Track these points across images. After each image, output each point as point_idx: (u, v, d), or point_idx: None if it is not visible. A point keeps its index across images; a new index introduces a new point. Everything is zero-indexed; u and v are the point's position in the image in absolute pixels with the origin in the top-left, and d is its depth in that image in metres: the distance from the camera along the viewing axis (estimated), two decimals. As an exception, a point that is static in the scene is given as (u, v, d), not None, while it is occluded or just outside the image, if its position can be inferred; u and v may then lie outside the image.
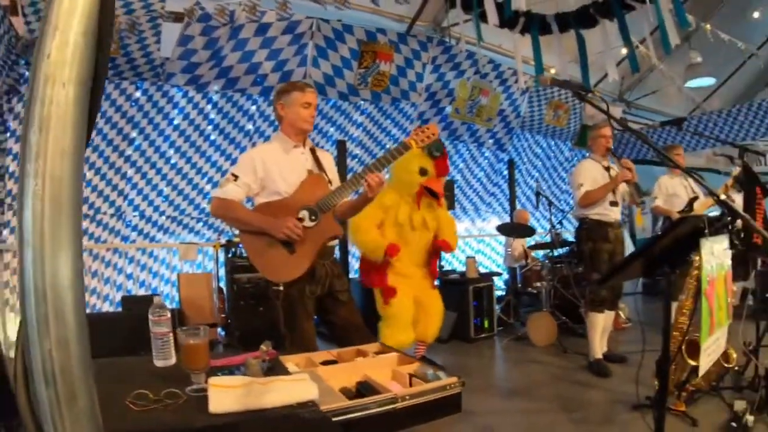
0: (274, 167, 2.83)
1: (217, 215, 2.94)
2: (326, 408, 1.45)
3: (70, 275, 0.53)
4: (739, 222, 2.50)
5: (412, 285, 4.29)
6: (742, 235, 2.39)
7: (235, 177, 2.79)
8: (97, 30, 0.57)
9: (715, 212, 5.24)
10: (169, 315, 1.88)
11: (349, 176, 2.86)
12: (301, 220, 2.72)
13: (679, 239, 1.97)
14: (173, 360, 1.85)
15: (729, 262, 2.17)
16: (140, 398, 1.45)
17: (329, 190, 2.83)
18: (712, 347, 2.01)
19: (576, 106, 8.60)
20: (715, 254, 1.96)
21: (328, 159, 3.11)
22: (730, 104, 9.55)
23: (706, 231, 1.88)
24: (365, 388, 1.72)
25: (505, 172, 8.38)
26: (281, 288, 2.75)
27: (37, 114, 0.53)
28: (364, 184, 2.73)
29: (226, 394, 1.40)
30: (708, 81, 9.18)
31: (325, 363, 2.08)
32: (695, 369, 3.33)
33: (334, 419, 1.42)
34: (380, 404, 1.59)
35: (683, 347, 3.36)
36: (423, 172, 4.21)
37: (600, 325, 4.53)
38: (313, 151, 3.00)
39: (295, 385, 1.46)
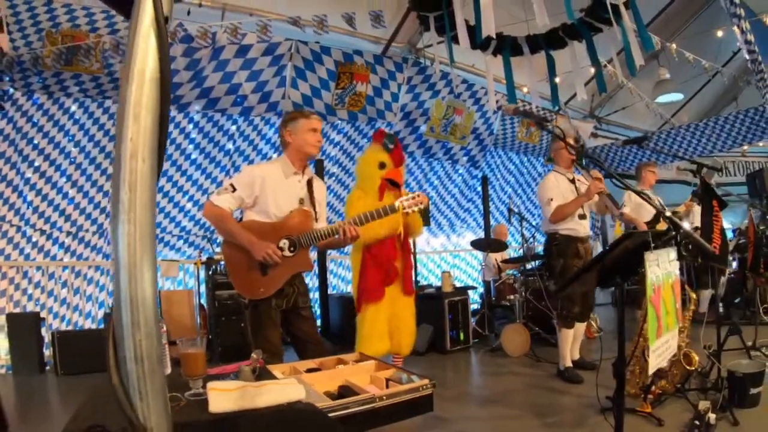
0: (270, 189, 3.03)
1: (208, 220, 3.12)
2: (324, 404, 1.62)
3: (150, 290, 0.78)
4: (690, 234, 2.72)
5: (387, 294, 4.39)
6: (690, 247, 2.57)
7: (234, 189, 2.98)
8: (162, 116, 0.79)
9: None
10: (165, 328, 2.03)
11: (334, 223, 3.10)
12: (281, 249, 2.94)
13: (629, 252, 2.13)
14: (169, 370, 1.99)
15: (676, 271, 2.35)
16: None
17: (312, 226, 3.09)
18: (662, 348, 2.17)
19: (543, 137, 8.88)
20: (661, 265, 2.13)
21: (321, 191, 3.33)
22: (698, 119, 9.90)
23: (652, 245, 2.05)
24: (346, 391, 1.89)
25: (479, 189, 8.58)
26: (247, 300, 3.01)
27: (126, 179, 0.77)
28: (342, 233, 3.03)
29: (223, 396, 1.55)
30: (676, 96, 9.47)
31: (309, 371, 2.24)
32: (658, 372, 3.53)
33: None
34: (360, 404, 1.77)
35: (645, 352, 3.45)
36: (382, 165, 4.34)
37: (570, 338, 4.67)
38: (309, 182, 3.21)
39: (285, 388, 1.61)
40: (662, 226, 5.17)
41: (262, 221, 3.01)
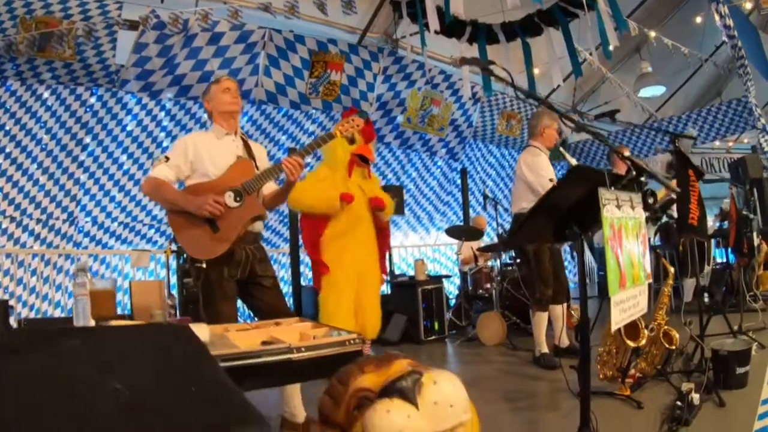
0: (204, 151, 2.96)
1: (148, 194, 3.04)
2: (218, 353, 1.52)
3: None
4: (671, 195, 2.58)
5: (353, 266, 4.20)
6: (654, 199, 2.40)
7: (167, 159, 2.92)
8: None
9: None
10: (89, 277, 1.97)
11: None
12: (226, 203, 2.83)
13: (585, 199, 2.00)
14: (92, 322, 1.93)
15: (643, 220, 2.23)
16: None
17: (255, 174, 2.95)
18: (628, 304, 2.04)
19: (529, 116, 8.84)
20: (623, 208, 2.03)
21: (260, 150, 3.24)
22: (683, 113, 9.90)
23: (608, 184, 1.96)
24: (266, 344, 1.79)
25: (458, 181, 8.54)
26: (204, 265, 2.83)
27: None
28: (285, 168, 2.86)
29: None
30: (659, 90, 9.47)
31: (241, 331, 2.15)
32: (636, 351, 3.39)
33: (225, 364, 1.48)
34: (274, 353, 1.65)
35: (622, 330, 3.33)
36: (351, 141, 4.21)
37: (545, 321, 4.58)
38: (244, 140, 3.14)
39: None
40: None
41: (201, 182, 2.93)
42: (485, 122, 8.33)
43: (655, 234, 7.59)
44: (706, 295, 5.90)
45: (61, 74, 5.46)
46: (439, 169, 8.45)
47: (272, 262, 4.36)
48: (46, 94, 5.61)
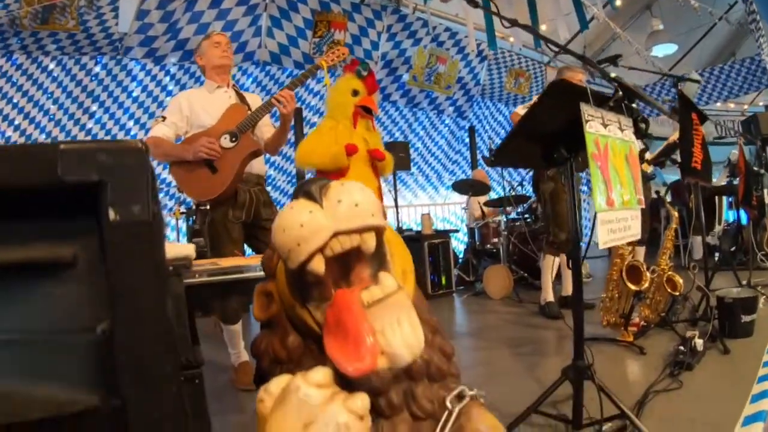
0: (198, 105, 3.05)
1: (150, 154, 3.09)
2: (201, 267, 1.58)
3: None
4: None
5: None
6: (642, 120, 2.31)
7: (163, 118, 3.01)
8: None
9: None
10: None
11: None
12: (222, 145, 2.91)
13: (572, 120, 1.92)
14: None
15: (634, 145, 2.18)
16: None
17: (248, 114, 3.02)
18: (618, 226, 1.99)
19: (538, 75, 8.74)
20: (610, 128, 1.99)
21: (254, 99, 3.29)
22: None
23: (590, 99, 1.91)
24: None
25: (467, 140, 8.51)
26: (207, 207, 2.92)
27: None
28: (275, 102, 2.93)
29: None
30: (671, 48, 9.26)
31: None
32: (638, 295, 3.36)
33: (211, 278, 1.54)
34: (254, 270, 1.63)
35: (624, 272, 3.34)
36: (355, 93, 4.22)
37: (553, 268, 4.59)
38: (237, 91, 3.20)
39: (175, 245, 1.59)
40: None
41: (198, 132, 3.00)
42: (493, 80, 8.25)
43: (666, 191, 7.53)
44: (716, 254, 5.88)
45: (66, 45, 5.50)
46: (446, 128, 8.41)
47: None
48: (51, 66, 5.66)
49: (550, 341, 3.85)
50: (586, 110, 1.91)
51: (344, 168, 4.12)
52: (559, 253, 4.54)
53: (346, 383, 0.82)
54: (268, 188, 6.85)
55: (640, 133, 2.30)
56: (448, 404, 0.90)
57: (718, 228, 6.46)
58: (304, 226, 0.84)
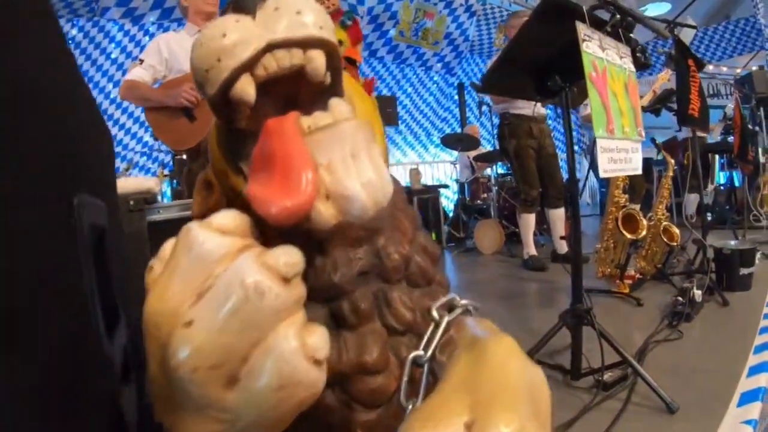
0: (179, 48, 2.94)
1: (125, 97, 3.04)
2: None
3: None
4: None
5: None
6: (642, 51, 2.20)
7: (141, 61, 2.92)
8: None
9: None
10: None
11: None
12: None
13: (567, 47, 1.81)
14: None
15: (633, 74, 2.08)
16: None
17: None
18: (618, 156, 1.91)
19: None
20: (608, 53, 1.89)
21: None
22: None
23: (586, 18, 1.81)
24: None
25: (456, 97, 8.37)
26: (184, 157, 2.89)
27: None
28: None
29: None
30: (665, 6, 9.07)
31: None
32: (635, 244, 3.29)
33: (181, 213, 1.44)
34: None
35: (619, 220, 3.25)
36: (339, 43, 4.17)
37: (530, 223, 4.56)
38: None
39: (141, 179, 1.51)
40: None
41: (177, 77, 2.91)
42: (482, 36, 8.08)
43: (658, 153, 7.44)
44: (708, 214, 5.79)
45: (60, 8, 5.34)
46: (435, 84, 8.28)
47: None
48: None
49: (543, 294, 3.79)
50: (583, 29, 1.80)
51: None
52: (533, 210, 4.52)
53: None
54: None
55: (639, 64, 2.20)
56: (435, 314, 0.59)
57: (710, 187, 6.36)
58: (228, 36, 0.56)
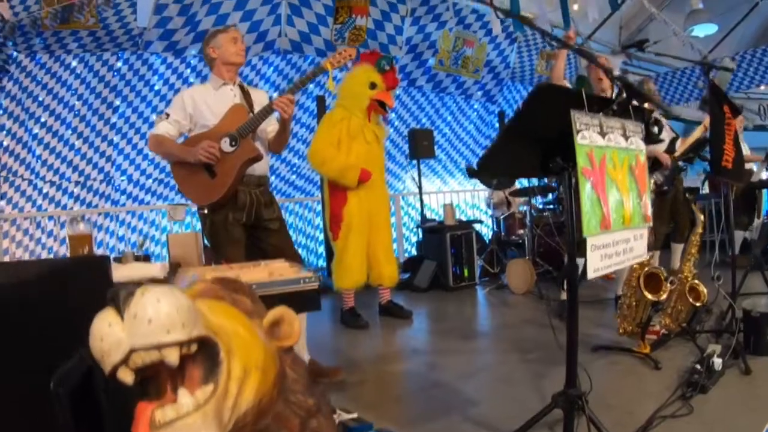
0: (202, 102, 3.02)
1: (152, 150, 3.18)
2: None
3: None
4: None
5: (367, 212, 4.35)
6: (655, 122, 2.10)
7: (167, 115, 3.01)
8: None
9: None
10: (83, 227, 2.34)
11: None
12: (221, 148, 2.88)
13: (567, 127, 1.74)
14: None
15: (641, 154, 2.00)
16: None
17: (249, 117, 2.98)
18: (615, 249, 1.84)
19: (570, 57, 8.42)
20: (611, 136, 1.83)
21: (260, 95, 3.26)
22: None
23: (585, 106, 1.76)
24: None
25: (496, 125, 8.29)
26: (205, 211, 2.95)
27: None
28: (276, 107, 2.90)
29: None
30: (711, 28, 8.75)
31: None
32: (657, 306, 3.14)
33: None
34: None
35: (641, 280, 3.14)
36: (373, 86, 4.21)
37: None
38: (242, 87, 3.16)
39: (145, 265, 1.57)
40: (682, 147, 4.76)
41: (199, 133, 2.99)
42: (523, 63, 7.99)
43: (703, 183, 7.19)
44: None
45: (87, 42, 5.57)
46: (475, 113, 8.22)
47: (306, 209, 4.28)
48: (74, 63, 5.76)
49: (562, 347, 3.69)
50: (579, 118, 1.74)
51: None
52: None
53: None
54: (293, 176, 6.85)
55: (651, 139, 2.11)
56: None
57: (756, 222, 6.09)
58: (104, 340, 0.81)
